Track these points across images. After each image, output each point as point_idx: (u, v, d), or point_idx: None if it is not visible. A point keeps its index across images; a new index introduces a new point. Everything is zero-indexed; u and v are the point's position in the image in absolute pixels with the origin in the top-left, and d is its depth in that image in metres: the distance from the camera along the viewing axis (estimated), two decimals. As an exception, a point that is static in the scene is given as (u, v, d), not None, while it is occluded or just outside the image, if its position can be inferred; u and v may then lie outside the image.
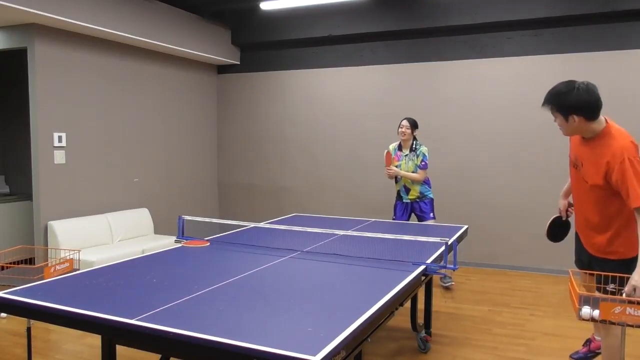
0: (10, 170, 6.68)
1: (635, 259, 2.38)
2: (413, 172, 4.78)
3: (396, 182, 4.96)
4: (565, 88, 2.50)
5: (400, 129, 4.82)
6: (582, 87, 2.46)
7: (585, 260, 2.78)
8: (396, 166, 4.83)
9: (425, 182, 4.87)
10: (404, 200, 4.93)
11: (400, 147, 4.89)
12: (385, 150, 4.93)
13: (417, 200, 4.87)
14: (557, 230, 3.11)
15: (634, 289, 2.30)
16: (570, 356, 3.31)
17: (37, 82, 4.83)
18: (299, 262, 2.78)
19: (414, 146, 4.82)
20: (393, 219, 4.96)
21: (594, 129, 2.51)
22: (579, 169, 2.66)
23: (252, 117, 7.16)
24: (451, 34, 5.95)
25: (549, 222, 3.14)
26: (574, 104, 2.45)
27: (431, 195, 4.91)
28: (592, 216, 2.61)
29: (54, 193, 5.01)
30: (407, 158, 4.81)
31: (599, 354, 3.08)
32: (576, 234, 2.90)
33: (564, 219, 3.07)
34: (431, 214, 4.87)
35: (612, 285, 2.52)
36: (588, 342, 3.28)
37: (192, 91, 6.85)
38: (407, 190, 4.88)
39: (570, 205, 3.01)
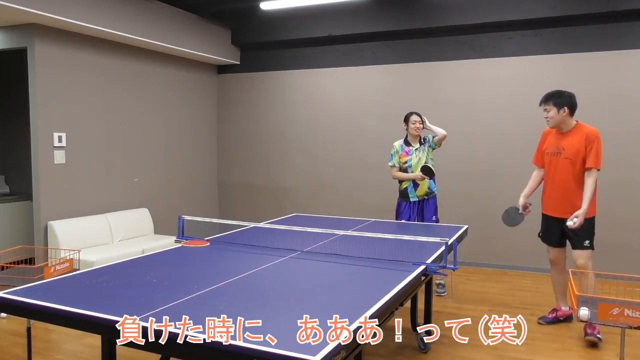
0: (10, 170, 6.68)
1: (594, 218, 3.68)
2: (425, 161, 4.63)
3: (402, 180, 4.75)
4: (559, 91, 3.75)
5: (412, 125, 4.66)
6: (570, 93, 3.73)
7: (557, 234, 3.84)
8: (405, 162, 4.67)
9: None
10: (410, 200, 4.71)
11: (407, 143, 4.73)
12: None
13: (425, 197, 4.69)
14: (514, 216, 4.08)
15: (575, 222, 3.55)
16: (539, 319, 4.01)
17: (37, 82, 4.83)
18: (299, 262, 2.78)
19: (422, 139, 4.72)
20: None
21: (570, 123, 3.74)
22: (560, 155, 3.72)
23: (252, 117, 7.16)
24: (451, 34, 5.95)
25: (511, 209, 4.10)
26: (567, 100, 3.70)
27: (436, 191, 4.76)
28: (573, 187, 3.67)
29: (54, 193, 5.01)
30: (417, 152, 4.67)
31: (563, 321, 3.99)
32: (545, 216, 3.93)
33: (522, 212, 4.02)
34: (434, 217, 4.70)
35: (574, 219, 3.58)
36: (554, 310, 4.02)
37: (192, 91, 6.86)
38: (416, 186, 4.67)
39: (527, 205, 4.04)
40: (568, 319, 3.98)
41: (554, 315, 3.99)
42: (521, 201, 4.02)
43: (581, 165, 3.62)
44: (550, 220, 3.89)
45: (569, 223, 3.57)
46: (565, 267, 3.88)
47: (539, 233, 4.04)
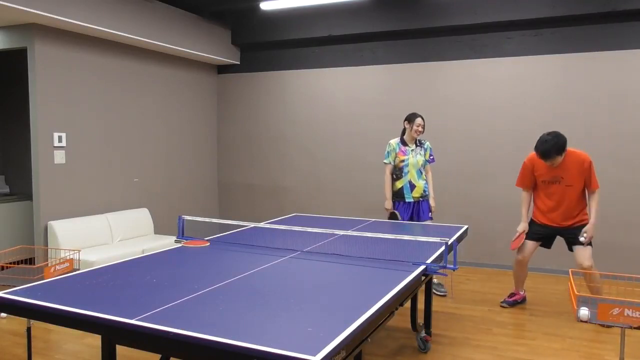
0: (10, 170, 6.68)
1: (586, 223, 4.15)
2: (422, 166, 4.75)
3: (399, 177, 4.75)
4: (555, 139, 3.93)
5: (416, 127, 4.68)
6: (557, 133, 3.96)
7: (543, 236, 4.28)
8: (402, 161, 4.71)
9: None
10: (406, 200, 4.74)
11: (403, 142, 4.77)
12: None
13: (420, 199, 4.74)
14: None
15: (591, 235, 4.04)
16: (501, 303, 4.48)
17: (37, 82, 4.83)
18: (299, 262, 2.78)
19: (418, 141, 4.78)
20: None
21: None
22: (560, 183, 4.11)
23: (252, 117, 7.16)
24: (451, 34, 5.95)
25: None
26: (564, 143, 3.96)
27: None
28: (574, 205, 4.13)
29: (54, 193, 5.01)
30: (414, 152, 4.72)
31: (521, 302, 4.53)
32: (535, 222, 4.30)
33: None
34: (429, 214, 4.78)
35: (584, 235, 4.05)
36: (513, 294, 4.51)
37: (192, 91, 6.86)
38: (412, 187, 4.71)
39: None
40: (524, 300, 4.56)
41: (514, 298, 4.50)
42: (525, 227, 4.35)
43: (582, 186, 4.09)
44: (539, 226, 4.29)
45: (582, 239, 4.02)
46: (528, 263, 4.46)
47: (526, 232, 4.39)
